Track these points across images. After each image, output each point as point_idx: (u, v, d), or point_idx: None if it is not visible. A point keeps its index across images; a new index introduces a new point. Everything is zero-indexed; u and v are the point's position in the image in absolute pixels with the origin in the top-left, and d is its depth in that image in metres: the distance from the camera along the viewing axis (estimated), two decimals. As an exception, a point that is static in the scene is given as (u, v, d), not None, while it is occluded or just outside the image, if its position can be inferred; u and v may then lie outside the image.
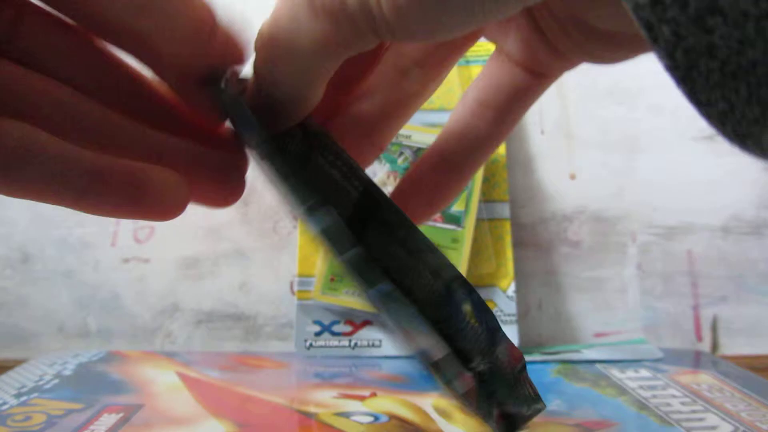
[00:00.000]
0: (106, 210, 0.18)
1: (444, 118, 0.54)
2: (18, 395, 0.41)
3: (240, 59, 0.20)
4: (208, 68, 0.19)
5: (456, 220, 0.50)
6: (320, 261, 0.51)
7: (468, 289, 0.20)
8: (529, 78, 0.23)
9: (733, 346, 0.56)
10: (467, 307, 0.20)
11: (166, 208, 0.18)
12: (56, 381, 0.43)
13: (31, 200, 0.17)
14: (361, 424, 0.36)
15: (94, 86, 0.19)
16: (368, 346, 0.50)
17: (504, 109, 0.23)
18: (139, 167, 0.18)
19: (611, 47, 0.20)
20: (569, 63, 0.22)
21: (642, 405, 0.39)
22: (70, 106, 0.18)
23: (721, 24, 0.11)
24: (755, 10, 0.10)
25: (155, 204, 0.18)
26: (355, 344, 0.50)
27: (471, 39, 0.23)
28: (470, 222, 0.50)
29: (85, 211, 0.17)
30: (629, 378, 0.44)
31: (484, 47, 0.55)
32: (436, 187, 0.24)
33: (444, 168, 0.24)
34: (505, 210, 0.53)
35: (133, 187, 0.17)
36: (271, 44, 0.18)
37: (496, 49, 0.23)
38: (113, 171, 0.17)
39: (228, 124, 0.22)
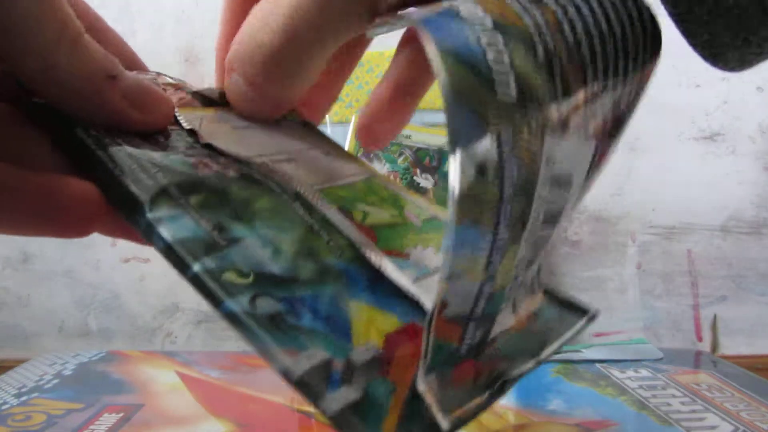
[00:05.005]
0: (10, 227, 0.16)
1: (443, 118, 0.54)
2: (18, 395, 0.41)
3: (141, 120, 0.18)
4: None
5: (456, 220, 0.50)
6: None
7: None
8: None
9: (733, 345, 0.56)
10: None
11: (79, 224, 0.16)
12: (56, 381, 0.44)
13: None
14: (361, 423, 0.36)
15: None
16: (368, 345, 0.50)
17: None
18: (51, 178, 0.16)
19: None
20: None
21: (642, 405, 0.39)
22: None
23: None
24: None
25: (67, 219, 0.16)
26: (355, 344, 0.50)
27: None
28: (470, 222, 0.50)
29: None
30: (629, 378, 0.44)
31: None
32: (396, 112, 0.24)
33: (400, 94, 0.24)
34: (505, 210, 0.53)
35: (44, 200, 0.16)
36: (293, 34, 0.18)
37: None
38: (24, 182, 0.16)
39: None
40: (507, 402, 0.40)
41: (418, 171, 0.51)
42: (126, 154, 0.17)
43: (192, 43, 0.70)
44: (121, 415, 0.37)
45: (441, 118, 0.54)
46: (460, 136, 0.13)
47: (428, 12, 0.14)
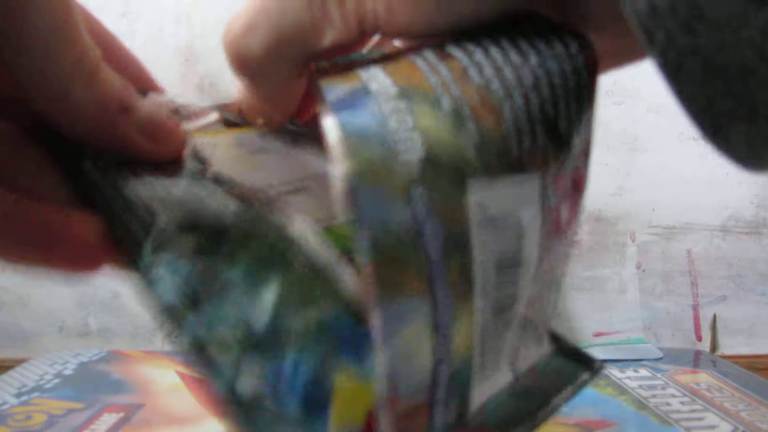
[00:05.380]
0: (12, 256, 0.16)
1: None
2: (19, 395, 0.41)
3: (159, 150, 0.18)
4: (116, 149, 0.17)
5: (456, 219, 0.50)
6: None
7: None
8: None
9: (733, 345, 0.56)
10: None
11: (82, 260, 0.16)
12: (57, 380, 0.44)
13: None
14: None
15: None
16: (368, 345, 0.50)
17: None
18: (56, 211, 0.16)
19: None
20: None
21: (642, 404, 0.39)
22: None
23: (704, 29, 0.13)
24: (732, 19, 0.12)
25: (69, 254, 0.16)
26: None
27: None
28: (470, 222, 0.50)
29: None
30: (629, 378, 0.44)
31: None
32: None
33: None
34: (505, 210, 0.53)
35: (46, 232, 0.15)
36: (250, 32, 0.17)
37: None
38: (26, 213, 0.15)
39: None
40: (507, 402, 0.40)
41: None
42: (133, 194, 0.17)
43: (192, 43, 0.70)
44: (121, 415, 0.37)
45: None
46: (364, 214, 0.13)
47: (343, 90, 0.14)
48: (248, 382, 0.14)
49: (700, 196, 0.56)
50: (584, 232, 0.57)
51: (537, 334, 0.18)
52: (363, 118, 0.13)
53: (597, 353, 0.49)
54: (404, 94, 0.14)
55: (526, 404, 0.17)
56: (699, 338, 0.56)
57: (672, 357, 0.49)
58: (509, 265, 0.15)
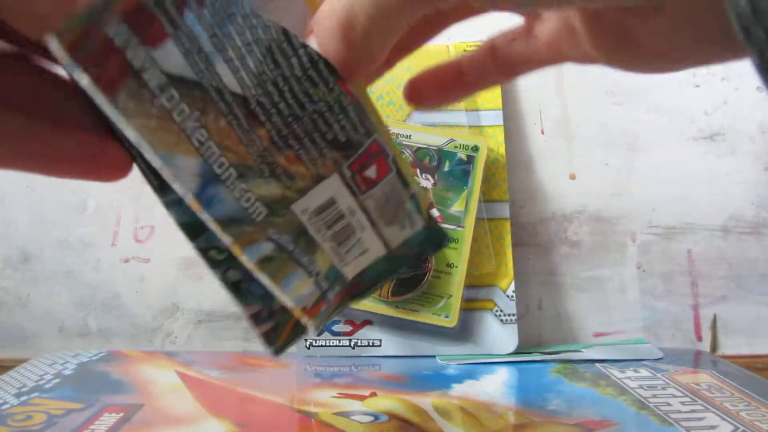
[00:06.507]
0: (66, 171, 0.20)
1: (443, 119, 0.55)
2: (18, 395, 0.41)
3: None
4: None
5: (456, 220, 0.50)
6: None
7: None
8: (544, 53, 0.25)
9: (733, 345, 0.56)
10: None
11: (118, 171, 0.21)
12: (57, 381, 0.44)
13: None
14: (361, 423, 0.36)
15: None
16: (368, 345, 0.50)
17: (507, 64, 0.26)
18: (94, 137, 0.20)
19: (641, 59, 0.22)
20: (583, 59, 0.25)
21: (642, 405, 0.39)
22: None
23: None
24: None
25: (108, 167, 0.21)
26: (355, 344, 0.50)
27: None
28: (470, 222, 0.50)
29: (48, 173, 0.20)
30: (629, 378, 0.44)
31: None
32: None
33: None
34: (505, 210, 0.53)
35: (91, 152, 0.20)
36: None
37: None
38: (73, 138, 0.20)
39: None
40: (507, 402, 0.40)
41: (418, 171, 0.51)
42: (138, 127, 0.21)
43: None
44: (121, 415, 0.37)
45: (441, 118, 0.54)
46: (251, 255, 0.21)
47: (199, 179, 0.20)
48: (233, 274, 0.23)
49: (700, 196, 0.56)
50: (584, 232, 0.57)
51: (402, 224, 0.26)
52: (226, 207, 0.20)
53: (597, 353, 0.49)
54: (242, 174, 0.21)
55: (393, 265, 0.27)
56: (699, 338, 0.56)
57: (672, 357, 0.49)
58: (335, 220, 0.24)
